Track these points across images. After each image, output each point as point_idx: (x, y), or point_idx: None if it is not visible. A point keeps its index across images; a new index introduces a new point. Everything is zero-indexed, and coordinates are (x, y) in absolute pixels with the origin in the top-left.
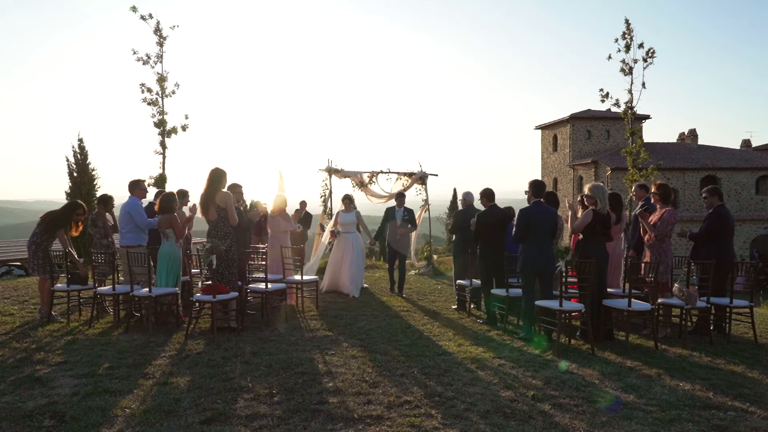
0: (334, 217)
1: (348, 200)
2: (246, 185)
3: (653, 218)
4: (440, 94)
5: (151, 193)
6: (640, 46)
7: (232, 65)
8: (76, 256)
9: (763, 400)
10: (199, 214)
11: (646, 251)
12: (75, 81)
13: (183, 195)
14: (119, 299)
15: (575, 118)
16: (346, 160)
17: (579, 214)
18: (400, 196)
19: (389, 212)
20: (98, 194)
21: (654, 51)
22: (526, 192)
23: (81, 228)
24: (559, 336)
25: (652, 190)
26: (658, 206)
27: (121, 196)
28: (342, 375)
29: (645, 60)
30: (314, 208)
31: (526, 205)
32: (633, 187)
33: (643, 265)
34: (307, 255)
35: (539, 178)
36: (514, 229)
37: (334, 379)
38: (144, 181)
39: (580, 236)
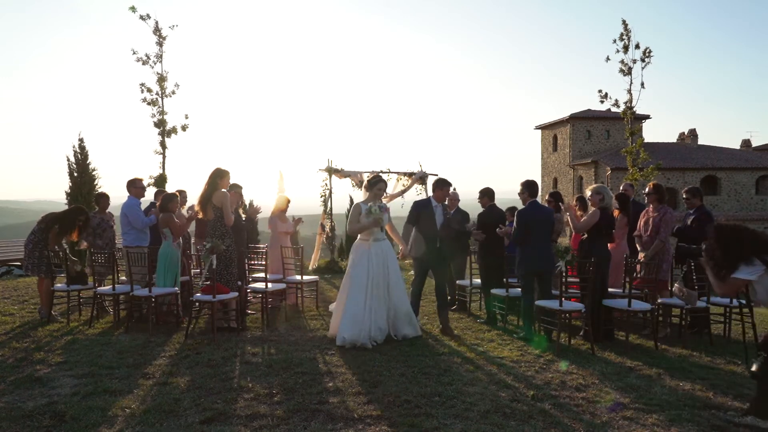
0: (352, 214)
1: (381, 184)
2: (246, 185)
3: (641, 220)
4: (440, 94)
5: (152, 192)
6: (637, 46)
7: (232, 65)
8: (66, 255)
9: None
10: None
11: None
12: (75, 81)
13: (182, 195)
14: (119, 299)
15: (575, 118)
16: (346, 160)
17: (578, 213)
18: (443, 184)
19: (422, 210)
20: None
21: (650, 50)
22: (520, 194)
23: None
24: (559, 336)
25: (647, 190)
26: (651, 206)
27: (120, 196)
28: (342, 375)
29: (642, 60)
30: (314, 208)
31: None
32: (622, 186)
33: (639, 265)
34: (308, 254)
35: (531, 178)
36: (513, 231)
37: (334, 379)
38: (141, 179)
39: (584, 236)
